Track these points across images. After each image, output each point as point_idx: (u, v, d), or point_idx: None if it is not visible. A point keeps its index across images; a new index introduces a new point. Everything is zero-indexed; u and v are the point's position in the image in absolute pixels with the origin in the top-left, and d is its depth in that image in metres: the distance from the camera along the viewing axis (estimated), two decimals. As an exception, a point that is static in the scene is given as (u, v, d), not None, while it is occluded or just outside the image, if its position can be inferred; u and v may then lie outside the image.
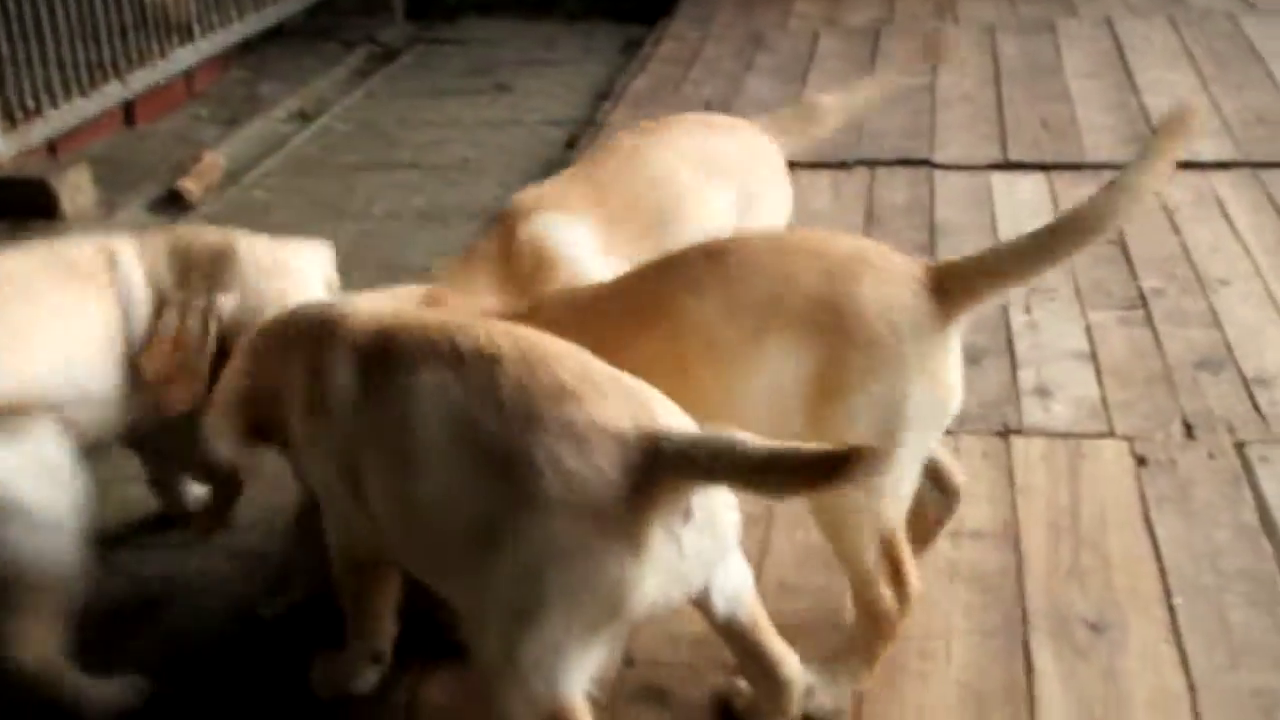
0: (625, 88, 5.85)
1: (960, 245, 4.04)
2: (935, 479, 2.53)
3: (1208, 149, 4.66)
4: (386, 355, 2.09)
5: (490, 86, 6.32)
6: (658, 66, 6.11)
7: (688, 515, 1.87)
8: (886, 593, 2.26)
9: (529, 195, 2.84)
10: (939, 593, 2.60)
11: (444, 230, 4.70)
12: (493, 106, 6.03)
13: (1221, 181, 4.43)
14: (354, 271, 3.18)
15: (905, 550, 2.27)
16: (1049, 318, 3.64)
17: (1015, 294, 3.69)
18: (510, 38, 7.20)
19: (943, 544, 2.73)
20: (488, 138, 5.61)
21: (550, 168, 5.07)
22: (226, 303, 2.55)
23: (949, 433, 2.92)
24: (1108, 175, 4.34)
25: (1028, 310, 3.68)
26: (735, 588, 2.05)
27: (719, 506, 1.93)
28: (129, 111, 5.68)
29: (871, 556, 2.24)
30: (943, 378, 2.22)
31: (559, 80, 6.39)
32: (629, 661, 2.44)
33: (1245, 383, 3.27)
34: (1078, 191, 4.38)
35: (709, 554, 1.94)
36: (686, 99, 5.63)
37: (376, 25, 7.28)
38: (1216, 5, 6.43)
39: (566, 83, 6.35)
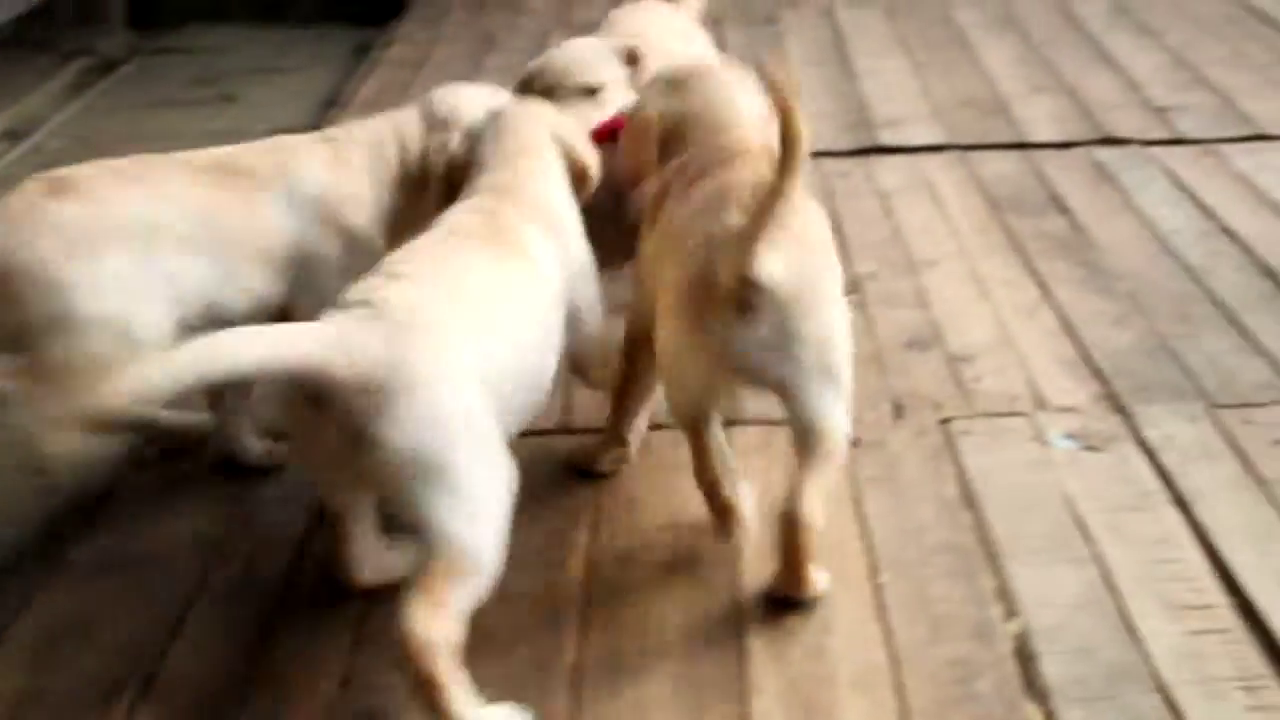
0: (353, 94, 5.77)
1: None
2: None
3: (919, 133, 4.85)
4: None
5: (216, 97, 6.18)
6: (387, 71, 6.05)
7: None
8: None
9: None
10: (656, 586, 2.64)
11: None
12: (218, 118, 5.88)
13: (931, 164, 4.60)
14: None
15: None
16: (767, 307, 3.72)
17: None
18: (238, 45, 7.04)
19: (662, 535, 2.78)
20: (212, 150, 5.47)
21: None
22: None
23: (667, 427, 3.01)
24: (826, 163, 4.54)
25: (747, 300, 3.76)
26: None
27: None
28: None
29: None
30: None
31: (287, 88, 6.28)
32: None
33: (950, 360, 3.39)
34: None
35: None
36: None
37: (95, 35, 7.02)
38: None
39: (296, 90, 6.24)
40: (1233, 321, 3.50)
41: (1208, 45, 5.62)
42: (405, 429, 2.15)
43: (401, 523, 2.31)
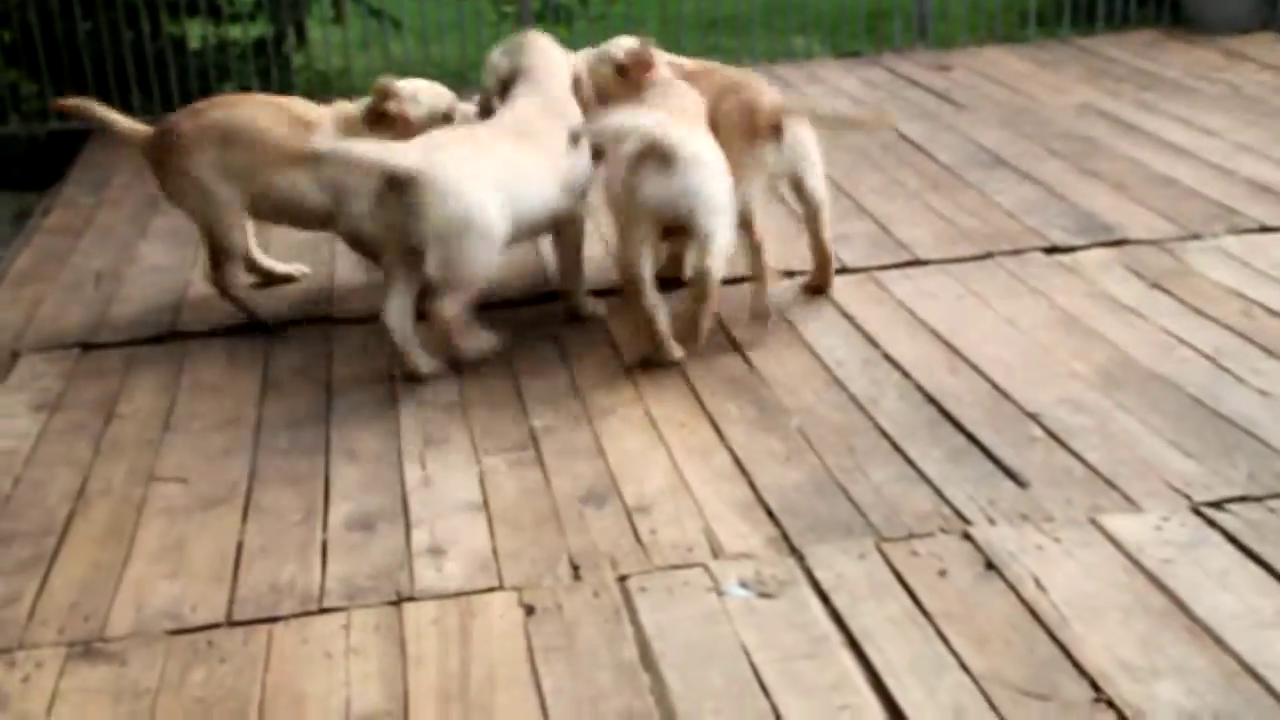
0: (8, 267, 5.48)
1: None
2: None
3: (591, 275, 4.86)
4: None
5: None
6: (46, 239, 5.77)
7: None
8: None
9: None
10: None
11: None
12: None
13: (604, 302, 4.61)
14: None
15: None
16: (443, 470, 3.65)
17: (410, 448, 3.73)
18: (-115, 217, 6.64)
19: (333, 734, 2.65)
20: None
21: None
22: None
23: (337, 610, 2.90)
24: (503, 311, 4.49)
25: (423, 465, 3.68)
26: None
27: None
28: None
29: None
30: None
31: (-62, 262, 5.91)
32: None
33: (628, 513, 3.37)
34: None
35: None
36: (76, 270, 5.35)
37: None
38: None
39: (-53, 264, 5.88)
40: (896, 450, 3.59)
41: (865, 174, 5.86)
42: (430, 204, 3.98)
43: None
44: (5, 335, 4.76)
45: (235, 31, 7.98)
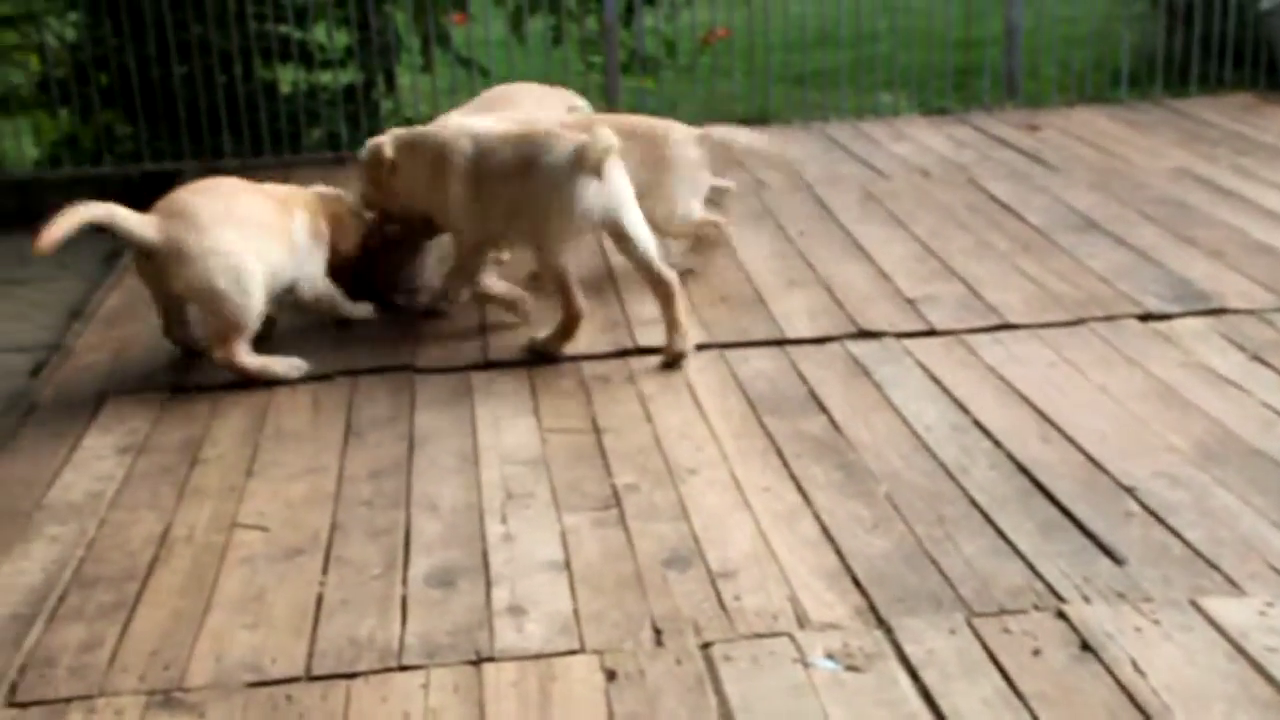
0: (98, 305, 5.54)
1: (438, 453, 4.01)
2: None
3: (678, 333, 4.83)
4: None
5: (-51, 312, 5.87)
6: (135, 280, 5.80)
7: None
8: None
9: None
10: None
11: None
12: (-48, 333, 5.59)
13: (690, 365, 4.58)
14: None
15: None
16: (524, 526, 3.61)
17: (491, 504, 3.70)
18: (-21, 254, 6.74)
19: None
20: (-57, 372, 5.18)
21: (14, 400, 4.72)
22: None
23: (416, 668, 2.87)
24: (585, 366, 4.48)
25: (504, 520, 3.64)
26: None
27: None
28: None
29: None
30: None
31: (29, 300, 6.02)
32: None
33: (712, 578, 3.31)
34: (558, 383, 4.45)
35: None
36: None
37: None
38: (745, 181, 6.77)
39: (38, 302, 5.98)
40: (987, 521, 3.51)
41: (953, 234, 5.79)
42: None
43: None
44: (94, 376, 4.81)
45: (325, 77, 8.06)
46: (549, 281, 4.72)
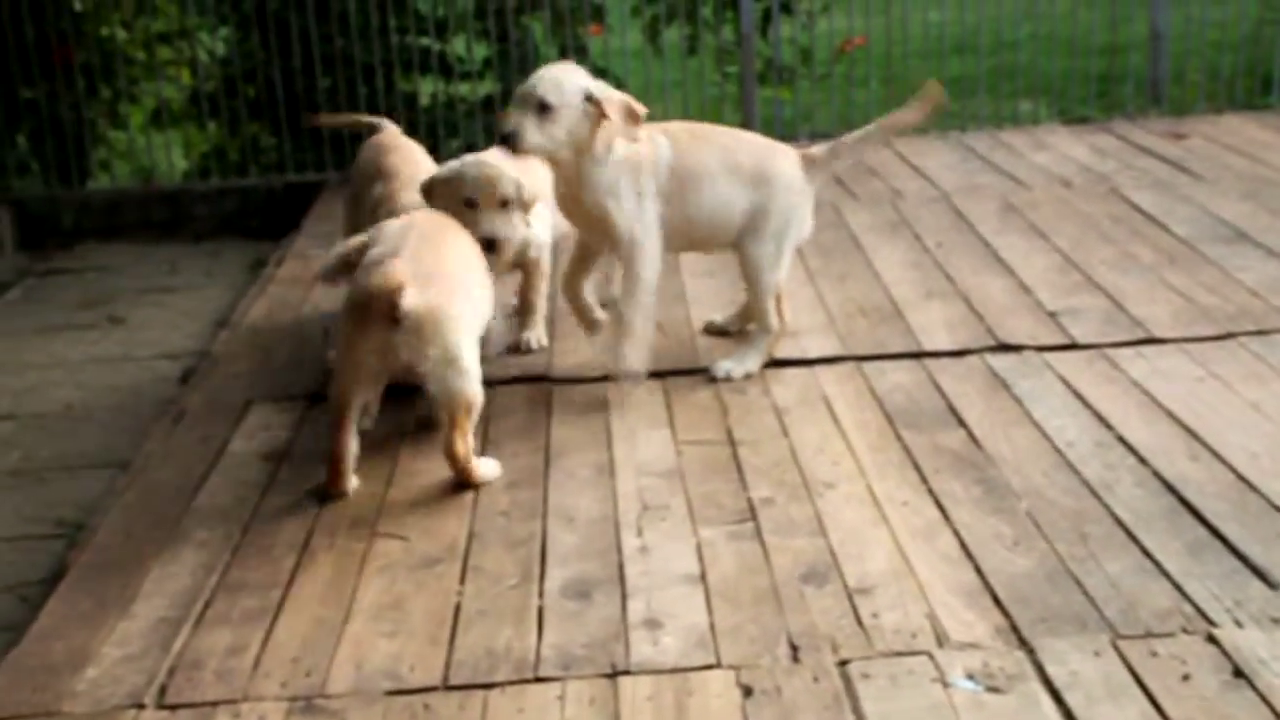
0: (243, 315, 5.67)
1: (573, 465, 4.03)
2: None
3: (813, 345, 4.81)
4: None
5: (102, 319, 6.05)
6: (278, 289, 5.95)
7: None
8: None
9: None
10: None
11: (40, 488, 4.38)
12: (103, 342, 5.76)
13: (827, 377, 4.55)
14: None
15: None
16: (660, 539, 3.61)
17: (626, 516, 3.70)
18: (131, 264, 6.97)
19: (547, 809, 2.62)
20: (95, 378, 5.34)
21: (161, 407, 4.85)
22: None
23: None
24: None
25: (639, 533, 3.64)
26: None
27: None
28: None
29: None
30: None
31: (179, 308, 6.18)
32: None
33: (849, 594, 3.28)
34: (693, 395, 4.44)
35: None
36: (307, 321, 5.50)
37: (-17, 259, 6.92)
38: (821, 196, 6.73)
39: (187, 311, 6.14)
40: (1132, 540, 3.43)
41: (1095, 246, 5.68)
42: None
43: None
44: (239, 383, 4.91)
45: (464, 89, 8.17)
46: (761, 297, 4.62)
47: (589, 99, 4.34)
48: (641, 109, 4.43)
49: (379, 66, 7.74)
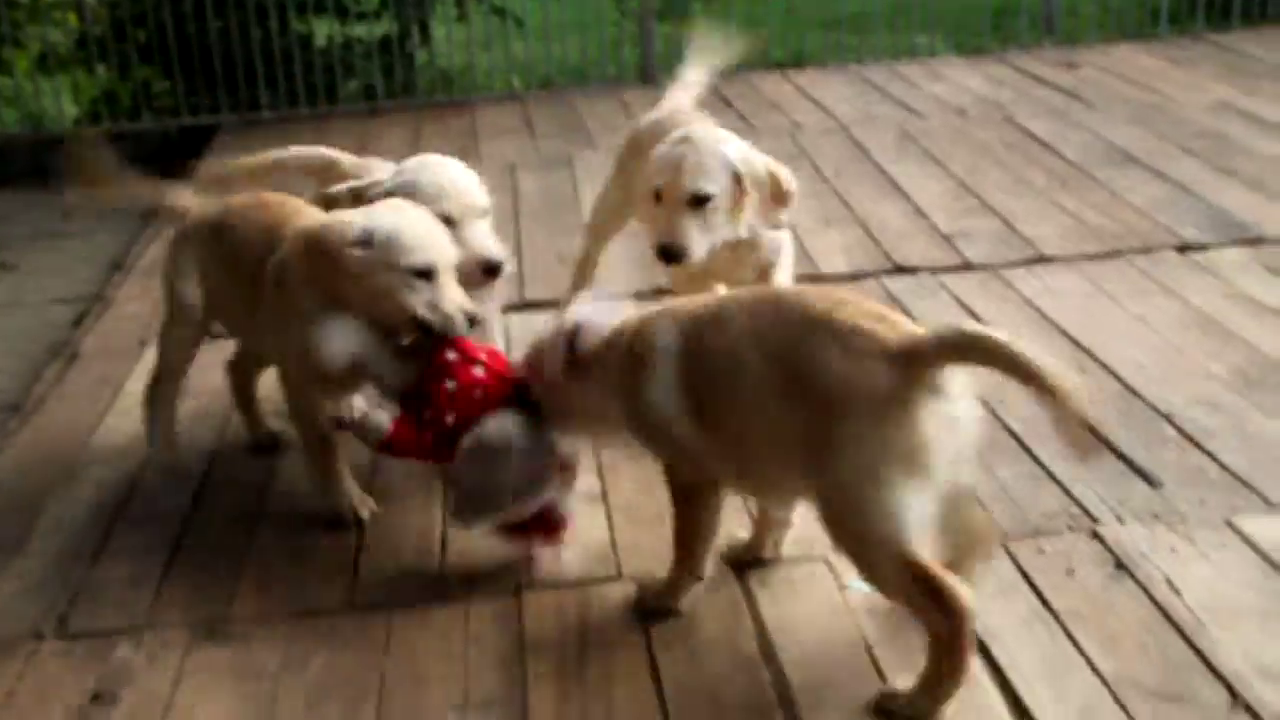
0: (138, 257, 5.60)
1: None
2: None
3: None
4: None
5: (-6, 266, 5.94)
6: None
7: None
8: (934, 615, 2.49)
9: None
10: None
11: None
12: (-6, 287, 5.66)
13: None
14: None
15: (935, 569, 2.48)
16: (562, 461, 3.63)
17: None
18: (21, 210, 6.83)
19: (451, 716, 2.66)
20: (-14, 323, 5.25)
21: (57, 350, 4.79)
22: None
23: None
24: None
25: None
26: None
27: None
28: None
29: (903, 583, 2.50)
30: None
31: (72, 254, 6.07)
32: None
33: (746, 505, 3.33)
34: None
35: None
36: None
37: None
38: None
39: (80, 256, 6.04)
40: (1023, 449, 3.51)
41: (989, 171, 5.76)
42: None
43: None
44: (135, 325, 4.86)
45: (360, 30, 8.08)
46: None
47: (735, 178, 3.49)
48: (791, 185, 3.63)
49: (272, 8, 7.63)
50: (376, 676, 2.82)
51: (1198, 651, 2.66)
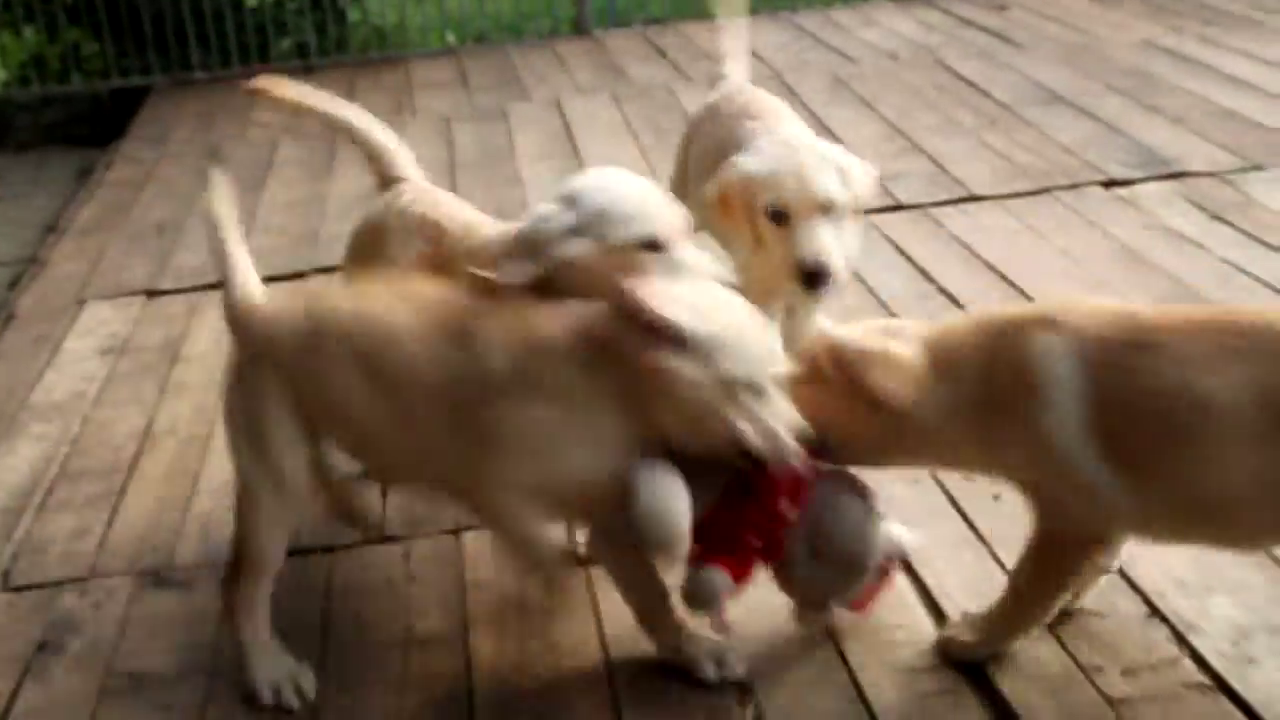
0: (72, 218, 5.58)
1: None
2: None
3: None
4: None
5: (-75, 231, 5.90)
6: (108, 192, 5.87)
7: None
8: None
9: None
10: (392, 708, 2.56)
11: None
12: (-71, 253, 5.62)
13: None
14: None
15: None
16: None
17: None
18: (-47, 176, 6.77)
19: (393, 654, 2.70)
20: (-81, 290, 5.22)
21: (-9, 314, 4.78)
22: None
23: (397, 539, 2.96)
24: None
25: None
26: None
27: None
28: None
29: None
30: None
31: (4, 217, 6.05)
32: None
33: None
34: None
35: None
36: (138, 221, 5.44)
37: None
38: (656, 79, 6.80)
39: (13, 219, 6.01)
40: (952, 380, 3.58)
41: (920, 113, 5.83)
42: None
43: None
44: (71, 284, 4.85)
45: (293, -14, 8.03)
46: None
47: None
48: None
49: (202, -35, 7.58)
50: (319, 616, 2.87)
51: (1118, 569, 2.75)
